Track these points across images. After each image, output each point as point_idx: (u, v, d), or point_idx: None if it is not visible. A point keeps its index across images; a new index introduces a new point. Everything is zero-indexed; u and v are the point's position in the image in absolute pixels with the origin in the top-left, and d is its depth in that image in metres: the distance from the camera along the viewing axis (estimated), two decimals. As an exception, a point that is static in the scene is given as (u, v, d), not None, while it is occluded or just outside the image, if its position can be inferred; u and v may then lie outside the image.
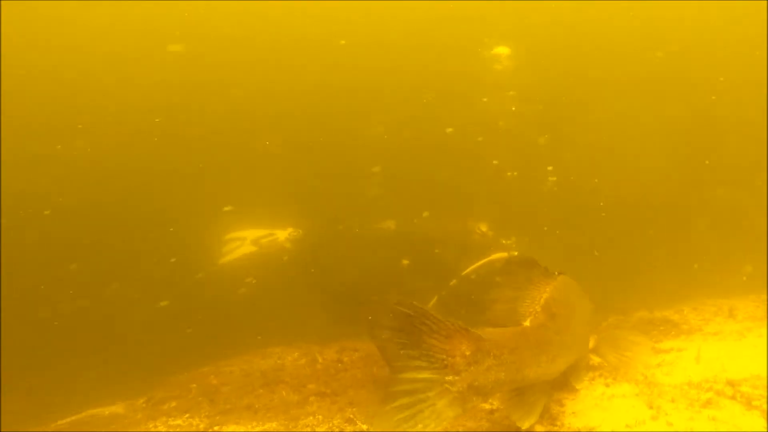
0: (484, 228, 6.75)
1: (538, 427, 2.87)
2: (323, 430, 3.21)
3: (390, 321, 2.18)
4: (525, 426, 2.63)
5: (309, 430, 3.23)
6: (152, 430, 3.65)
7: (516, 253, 6.02)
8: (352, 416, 3.36)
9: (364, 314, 2.17)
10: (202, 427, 3.60)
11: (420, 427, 2.14)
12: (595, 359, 3.80)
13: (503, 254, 6.04)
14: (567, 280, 3.30)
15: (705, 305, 5.36)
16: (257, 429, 3.37)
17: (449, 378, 2.21)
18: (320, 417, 3.43)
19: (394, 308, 2.18)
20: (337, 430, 3.18)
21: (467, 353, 2.26)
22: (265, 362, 4.96)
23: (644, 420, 2.74)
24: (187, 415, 3.81)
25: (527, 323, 2.82)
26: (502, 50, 10.43)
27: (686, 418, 2.70)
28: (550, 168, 9.77)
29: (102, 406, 5.16)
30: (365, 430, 3.14)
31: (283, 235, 7.75)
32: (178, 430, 3.59)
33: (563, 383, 3.32)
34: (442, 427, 2.16)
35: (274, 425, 3.41)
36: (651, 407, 2.86)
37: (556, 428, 2.87)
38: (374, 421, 2.14)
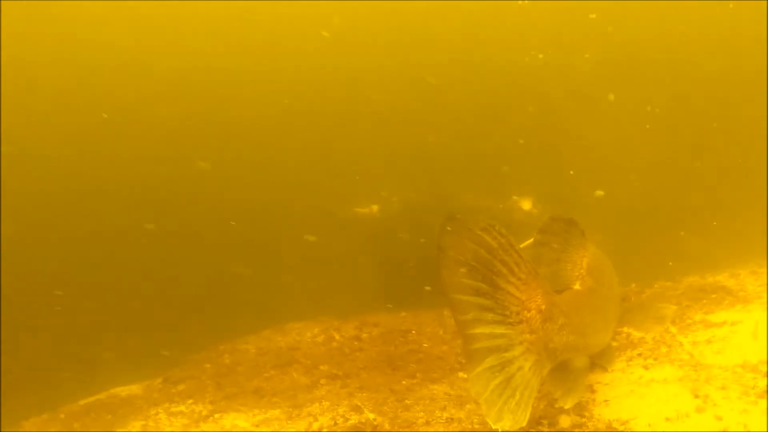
0: (527, 206, 6.52)
1: (563, 420, 2.50)
2: (326, 420, 2.93)
3: (469, 252, 1.87)
4: (568, 404, 2.29)
5: (311, 420, 2.95)
6: (153, 416, 3.46)
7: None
8: (359, 404, 3.06)
9: (440, 242, 1.88)
10: (204, 413, 3.39)
11: (518, 397, 1.89)
12: (636, 334, 3.38)
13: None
14: (595, 249, 2.90)
15: (765, 267, 4.81)
16: (257, 418, 3.12)
17: (526, 336, 1.94)
18: (326, 404, 3.15)
19: (478, 234, 1.86)
20: (340, 420, 2.89)
21: (543, 307, 1.99)
22: (283, 339, 4.73)
23: (688, 412, 2.33)
24: (190, 401, 3.60)
25: (578, 286, 2.48)
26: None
27: (739, 410, 2.28)
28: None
29: (125, 384, 5.08)
30: (371, 419, 2.84)
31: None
32: (179, 418, 3.38)
33: (593, 363, 2.94)
34: (534, 398, 1.92)
35: (276, 413, 3.15)
36: (697, 396, 2.45)
37: (584, 419, 2.49)
38: (470, 385, 1.89)
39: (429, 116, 13.32)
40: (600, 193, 6.28)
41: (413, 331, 4.12)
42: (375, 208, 7.76)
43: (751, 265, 4.88)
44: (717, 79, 13.65)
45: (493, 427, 1.88)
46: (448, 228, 1.92)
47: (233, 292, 7.99)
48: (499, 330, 1.93)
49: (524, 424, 1.86)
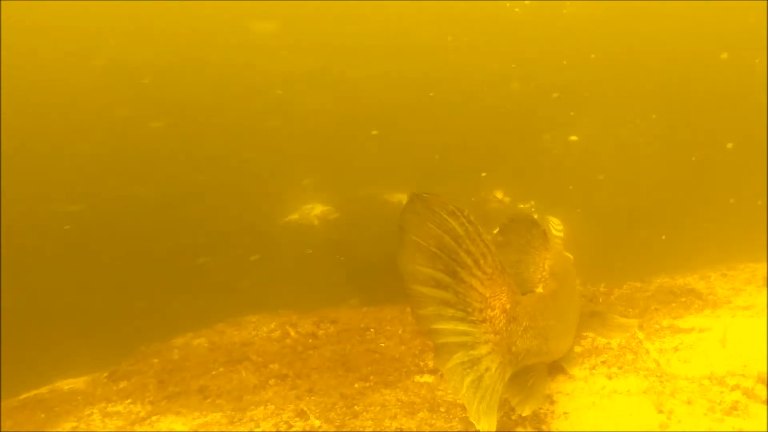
0: (500, 195, 6.49)
1: (519, 430, 2.33)
2: (269, 426, 2.72)
3: (432, 237, 1.69)
4: (526, 412, 2.12)
5: (252, 426, 2.75)
6: (86, 417, 3.22)
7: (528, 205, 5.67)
8: (306, 408, 2.86)
9: (401, 221, 1.72)
10: (142, 414, 3.16)
11: (487, 399, 1.74)
12: (601, 339, 3.23)
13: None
14: (558, 250, 2.74)
15: (735, 270, 4.70)
16: (197, 422, 2.90)
17: (490, 336, 1.76)
18: (272, 408, 2.95)
19: (444, 218, 1.69)
20: (283, 427, 2.68)
21: (507, 306, 1.81)
22: (238, 334, 4.51)
23: (651, 429, 2.17)
24: (129, 401, 3.37)
25: (540, 290, 2.31)
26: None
27: (704, 427, 2.13)
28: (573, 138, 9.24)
29: (74, 376, 4.83)
30: (316, 426, 2.64)
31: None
32: (114, 419, 3.15)
33: (554, 368, 2.78)
34: (498, 403, 1.77)
35: (217, 417, 2.94)
36: (661, 411, 2.29)
37: (541, 433, 2.33)
38: (446, 378, 1.75)
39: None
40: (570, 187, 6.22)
41: (372, 330, 3.93)
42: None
43: (721, 268, 4.78)
44: (716, 80, 13.61)
45: (477, 427, 1.71)
46: (412, 207, 1.72)
47: (194, 282, 7.75)
48: (462, 327, 1.76)
49: (494, 429, 1.68)
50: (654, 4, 13.63)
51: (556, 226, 5.95)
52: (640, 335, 3.23)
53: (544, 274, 2.31)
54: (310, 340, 3.91)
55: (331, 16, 13.27)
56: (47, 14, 11.78)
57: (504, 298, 1.79)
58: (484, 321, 1.75)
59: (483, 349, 1.74)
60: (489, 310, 1.76)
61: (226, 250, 8.82)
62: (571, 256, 5.96)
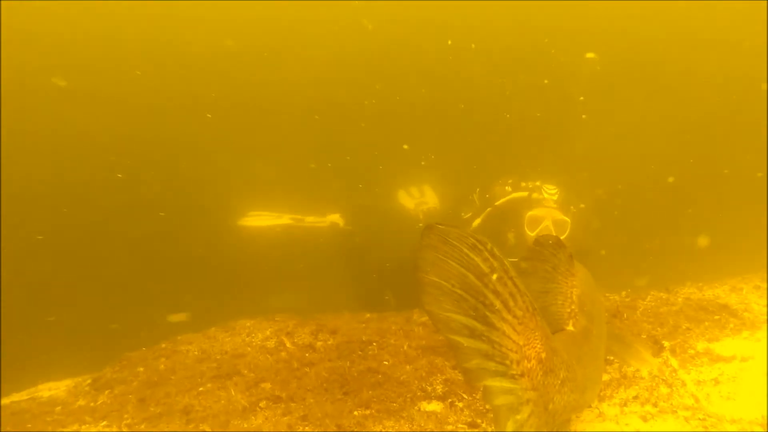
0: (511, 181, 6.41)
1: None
2: (255, 464, 2.40)
3: (454, 277, 1.37)
4: None
5: (237, 463, 2.43)
6: (56, 442, 2.91)
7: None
8: (298, 442, 2.54)
9: (418, 260, 1.40)
10: (117, 440, 2.86)
11: None
12: (628, 369, 2.89)
13: (523, 193, 5.96)
14: (582, 268, 2.39)
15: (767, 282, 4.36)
16: (175, 455, 2.59)
17: (529, 394, 1.45)
18: (260, 439, 2.63)
19: (465, 253, 1.37)
20: (271, 466, 2.36)
21: (543, 355, 1.49)
22: (230, 341, 4.20)
23: (700, 493, 1.84)
24: (104, 423, 3.05)
25: (571, 327, 1.97)
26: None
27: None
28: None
29: (57, 379, 4.56)
30: (309, 468, 2.32)
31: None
32: (86, 445, 2.84)
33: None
34: None
35: (199, 448, 2.62)
36: (710, 467, 1.96)
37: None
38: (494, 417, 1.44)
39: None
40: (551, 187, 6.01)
41: (374, 344, 3.60)
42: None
43: (753, 279, 4.42)
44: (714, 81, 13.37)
45: None
46: (428, 242, 1.38)
47: (193, 279, 7.47)
48: (506, 384, 1.44)
49: None
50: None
51: (549, 191, 5.63)
52: (674, 362, 2.89)
53: (573, 307, 1.96)
54: (307, 354, 3.59)
55: None
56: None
57: (539, 346, 1.46)
58: (522, 375, 1.42)
59: (525, 411, 1.41)
60: (525, 361, 1.43)
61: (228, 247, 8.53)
62: (568, 220, 5.65)
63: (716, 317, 3.53)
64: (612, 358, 2.99)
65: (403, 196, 7.59)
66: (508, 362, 1.40)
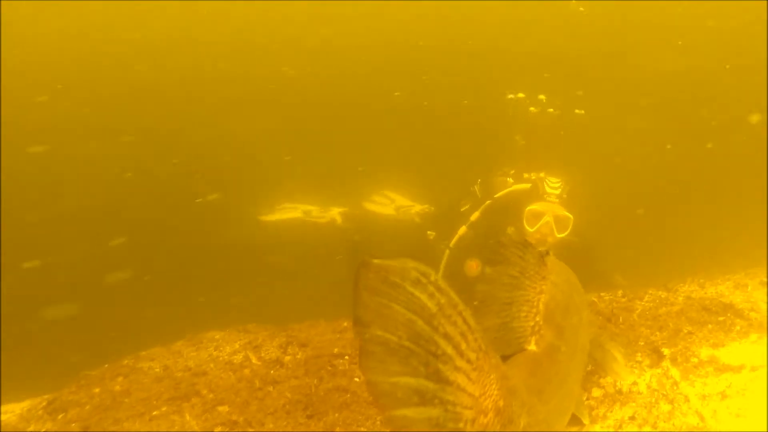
0: (511, 172, 6.18)
1: None
2: (195, 508, 2.08)
3: (401, 325, 1.08)
4: None
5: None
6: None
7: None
8: (248, 478, 2.22)
9: (357, 310, 1.11)
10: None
11: None
12: (624, 382, 2.57)
13: (525, 185, 5.67)
14: (558, 265, 2.07)
15: (772, 276, 4.04)
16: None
17: None
18: (207, 474, 2.31)
19: (409, 292, 1.09)
20: None
21: (501, 404, 1.21)
22: (195, 356, 3.88)
23: None
24: (39, 457, 2.73)
25: (533, 346, 1.65)
26: None
27: None
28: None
29: (15, 401, 4.24)
30: None
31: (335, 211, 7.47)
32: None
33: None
34: None
35: (137, 488, 2.30)
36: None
37: None
38: None
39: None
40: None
41: (346, 357, 3.29)
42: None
43: (758, 274, 4.11)
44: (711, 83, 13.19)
45: None
46: (366, 284, 1.08)
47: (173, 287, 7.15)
48: None
49: None
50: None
51: (552, 184, 5.29)
52: (675, 373, 2.57)
53: (537, 320, 1.64)
54: (272, 372, 3.27)
55: None
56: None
57: (495, 393, 1.15)
58: None
59: None
60: (482, 416, 1.12)
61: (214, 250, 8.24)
62: (571, 216, 5.32)
63: (720, 318, 3.21)
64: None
65: (374, 205, 7.34)
66: (462, 425, 1.09)
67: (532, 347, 1.58)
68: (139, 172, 10.23)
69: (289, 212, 7.42)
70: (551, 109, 6.17)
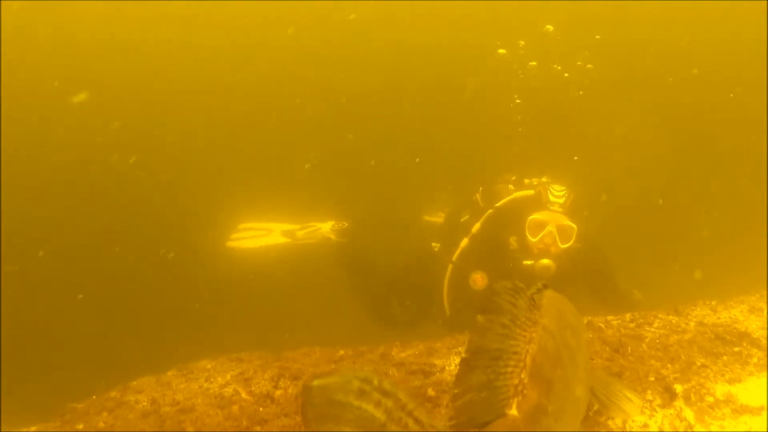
0: (510, 177, 6.05)
1: None
2: None
3: None
4: None
5: None
6: None
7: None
8: None
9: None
10: None
11: None
12: (634, 423, 2.40)
13: (528, 192, 5.57)
14: (555, 299, 1.90)
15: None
16: None
17: None
18: None
19: (356, 407, 1.06)
20: None
21: None
22: (184, 388, 3.72)
23: None
24: (10, 507, 2.58)
25: (514, 410, 1.48)
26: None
27: None
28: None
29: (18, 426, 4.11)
30: None
31: (325, 227, 7.18)
32: None
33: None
34: None
35: None
36: None
37: None
38: None
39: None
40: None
41: (340, 392, 3.11)
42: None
43: (773, 295, 3.93)
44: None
45: None
46: (312, 411, 1.07)
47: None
48: None
49: None
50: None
51: (556, 193, 5.12)
52: (689, 415, 2.39)
53: (522, 377, 1.48)
54: (261, 409, 3.11)
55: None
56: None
57: None
58: None
59: None
60: None
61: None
62: (575, 226, 5.11)
63: (736, 349, 3.03)
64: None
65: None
66: None
67: (513, 412, 1.42)
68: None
69: (264, 238, 6.99)
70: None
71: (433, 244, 6.27)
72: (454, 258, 5.75)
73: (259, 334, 5.99)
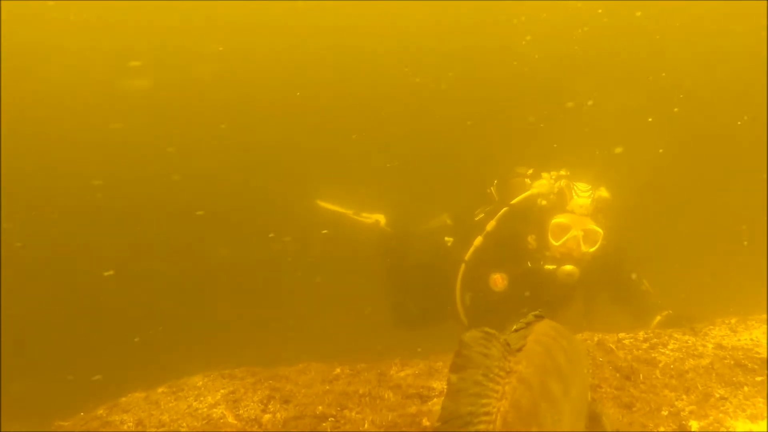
0: (523, 170, 5.70)
1: None
2: None
3: None
4: None
5: None
6: None
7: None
8: None
9: None
10: None
11: None
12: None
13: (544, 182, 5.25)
14: (546, 334, 1.68)
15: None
16: None
17: None
18: None
19: None
20: None
21: None
22: (173, 407, 3.56)
23: None
24: None
25: None
26: None
27: None
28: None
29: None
30: None
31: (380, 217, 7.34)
32: None
33: None
34: None
35: None
36: None
37: None
38: None
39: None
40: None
41: (330, 419, 2.94)
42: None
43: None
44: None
45: None
46: None
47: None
48: None
49: None
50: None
51: (581, 193, 4.84)
52: (704, 459, 2.17)
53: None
54: (247, 436, 2.93)
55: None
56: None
57: None
58: None
59: None
60: None
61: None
62: (601, 231, 4.88)
63: (758, 378, 2.80)
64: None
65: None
66: None
67: None
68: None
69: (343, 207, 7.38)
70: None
71: (447, 238, 6.04)
72: (466, 257, 5.49)
73: (260, 342, 5.83)
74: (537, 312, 1.74)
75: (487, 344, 1.31)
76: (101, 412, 3.73)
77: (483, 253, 5.43)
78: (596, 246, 4.92)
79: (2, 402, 5.37)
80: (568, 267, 4.85)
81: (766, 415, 2.47)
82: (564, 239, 4.89)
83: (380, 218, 7.15)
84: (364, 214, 7.18)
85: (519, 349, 1.39)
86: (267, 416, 3.13)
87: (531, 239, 5.16)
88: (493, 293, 5.15)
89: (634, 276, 5.35)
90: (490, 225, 5.43)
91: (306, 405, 3.15)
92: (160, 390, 3.91)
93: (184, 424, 3.25)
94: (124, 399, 3.89)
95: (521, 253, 5.15)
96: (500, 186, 5.73)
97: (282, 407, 3.20)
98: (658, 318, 5.08)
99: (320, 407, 3.08)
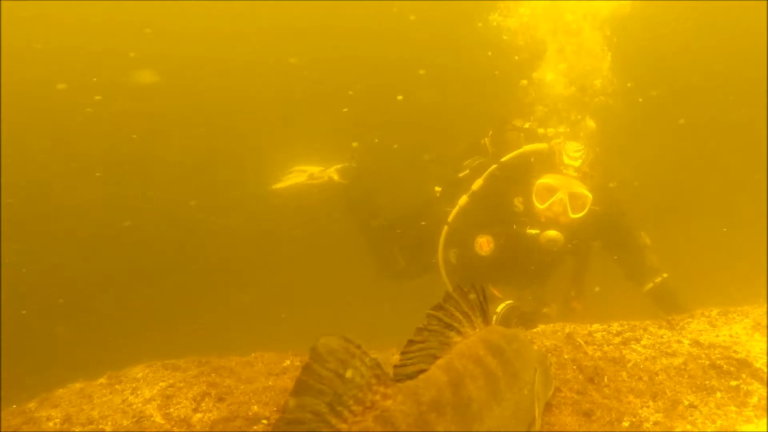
0: (519, 122, 5.39)
1: None
2: None
3: None
4: None
5: None
6: None
7: None
8: None
9: None
10: None
11: None
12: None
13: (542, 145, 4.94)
14: (469, 353, 1.41)
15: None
16: None
17: None
18: None
19: None
20: None
21: None
22: (107, 401, 3.30)
23: None
24: None
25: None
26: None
27: None
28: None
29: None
30: None
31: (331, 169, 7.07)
32: None
33: None
34: None
35: None
36: None
37: None
38: None
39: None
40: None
41: (264, 421, 2.68)
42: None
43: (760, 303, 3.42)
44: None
45: None
46: None
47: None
48: None
49: None
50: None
51: (572, 153, 4.52)
52: (666, 481, 1.90)
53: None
54: (174, 437, 2.67)
55: None
56: None
57: None
58: None
59: None
60: None
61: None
62: (590, 195, 4.62)
63: (733, 383, 2.53)
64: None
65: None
66: None
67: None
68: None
69: (297, 177, 7.06)
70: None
71: (436, 188, 5.71)
72: (449, 219, 5.18)
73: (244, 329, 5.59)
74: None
75: (349, 360, 1.01)
76: (31, 405, 3.46)
77: (468, 214, 5.12)
78: (584, 211, 4.60)
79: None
80: (552, 232, 4.52)
81: (737, 427, 2.20)
82: (549, 202, 4.56)
83: (332, 174, 6.87)
84: (315, 176, 6.92)
85: (408, 376, 1.10)
86: (198, 416, 2.86)
87: (518, 201, 4.85)
88: (478, 256, 4.87)
89: (640, 234, 5.12)
90: (477, 184, 5.10)
91: (240, 404, 2.89)
92: (98, 381, 3.65)
93: (110, 423, 2.98)
94: (60, 391, 3.62)
95: (507, 217, 4.86)
96: (494, 138, 5.37)
97: (215, 406, 2.93)
98: (650, 285, 4.90)
99: (255, 407, 2.82)
